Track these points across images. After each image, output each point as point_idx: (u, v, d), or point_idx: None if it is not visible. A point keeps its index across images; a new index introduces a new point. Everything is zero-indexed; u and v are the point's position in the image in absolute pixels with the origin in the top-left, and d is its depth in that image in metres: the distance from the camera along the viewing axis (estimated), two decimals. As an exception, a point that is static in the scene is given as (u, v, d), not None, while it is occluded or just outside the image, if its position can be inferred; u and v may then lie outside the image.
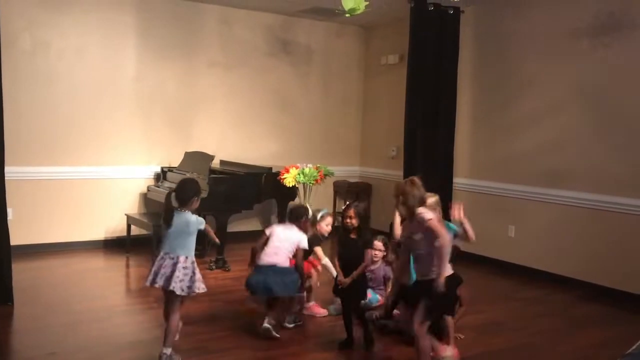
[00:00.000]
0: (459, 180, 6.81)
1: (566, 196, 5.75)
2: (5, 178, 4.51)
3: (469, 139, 6.78)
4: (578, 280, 5.62)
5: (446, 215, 4.08)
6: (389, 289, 4.57)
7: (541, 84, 6.00)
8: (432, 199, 3.84)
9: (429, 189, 6.46)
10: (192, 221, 3.55)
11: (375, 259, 4.67)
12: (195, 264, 3.59)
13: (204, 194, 5.79)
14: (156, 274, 3.53)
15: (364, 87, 8.32)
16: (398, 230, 3.87)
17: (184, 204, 3.58)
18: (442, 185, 6.68)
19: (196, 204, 3.64)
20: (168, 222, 3.57)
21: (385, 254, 4.71)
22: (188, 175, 3.91)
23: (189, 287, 3.52)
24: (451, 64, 6.62)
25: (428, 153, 6.59)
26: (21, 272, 5.03)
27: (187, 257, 3.54)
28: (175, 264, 3.51)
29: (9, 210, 4.66)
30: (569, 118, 5.75)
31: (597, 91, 5.53)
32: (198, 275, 3.56)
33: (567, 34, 5.76)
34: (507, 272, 6.15)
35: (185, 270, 3.52)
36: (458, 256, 3.93)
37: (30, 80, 6.13)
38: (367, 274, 4.67)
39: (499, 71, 6.45)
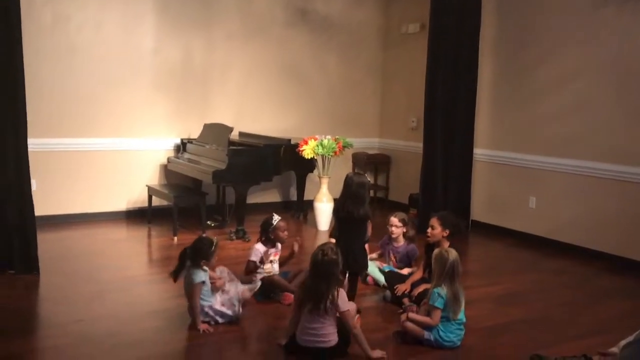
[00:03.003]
0: (479, 151, 6.74)
1: (588, 167, 5.66)
2: (29, 150, 4.59)
3: (490, 109, 6.68)
4: (599, 251, 5.57)
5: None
6: (415, 268, 4.49)
7: (565, 52, 5.86)
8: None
9: (450, 160, 6.51)
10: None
11: (394, 235, 4.69)
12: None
13: (223, 166, 5.83)
14: None
15: (384, 57, 8.21)
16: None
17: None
18: (463, 156, 6.66)
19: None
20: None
21: (405, 230, 4.71)
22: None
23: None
24: (473, 33, 6.49)
25: (448, 124, 6.53)
26: (45, 242, 5.11)
27: None
28: None
29: (33, 182, 4.73)
30: (592, 88, 5.63)
31: (621, 60, 5.39)
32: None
33: (591, 1, 5.60)
34: (528, 243, 6.12)
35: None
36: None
37: (50, 54, 6.16)
38: (390, 252, 4.71)
39: (521, 39, 6.31)
